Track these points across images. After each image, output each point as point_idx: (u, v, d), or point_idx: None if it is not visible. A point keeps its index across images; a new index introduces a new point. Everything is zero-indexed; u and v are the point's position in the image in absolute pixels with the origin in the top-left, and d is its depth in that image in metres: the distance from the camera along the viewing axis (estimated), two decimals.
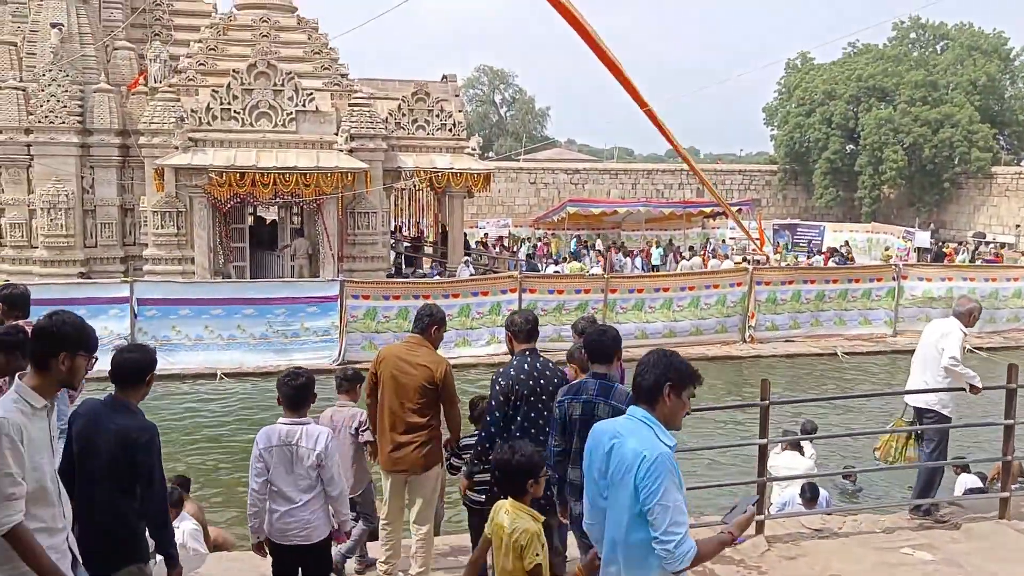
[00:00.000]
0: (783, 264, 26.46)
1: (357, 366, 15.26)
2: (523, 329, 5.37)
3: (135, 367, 4.15)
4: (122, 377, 4.14)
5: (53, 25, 20.83)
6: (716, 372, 16.05)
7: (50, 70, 20.64)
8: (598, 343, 4.74)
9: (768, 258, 27.06)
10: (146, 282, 16.93)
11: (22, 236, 21.11)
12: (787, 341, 18.20)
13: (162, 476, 4.19)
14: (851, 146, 44.19)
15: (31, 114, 20.75)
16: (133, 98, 21.59)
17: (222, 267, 20.78)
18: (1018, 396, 6.93)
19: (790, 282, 18.73)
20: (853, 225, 38.03)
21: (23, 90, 20.94)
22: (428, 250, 26.59)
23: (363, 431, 6.22)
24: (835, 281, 19.04)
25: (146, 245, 20.72)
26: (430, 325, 5.74)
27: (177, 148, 19.66)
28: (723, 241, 32.55)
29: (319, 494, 4.86)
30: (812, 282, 18.85)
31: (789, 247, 32.99)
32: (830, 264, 26.75)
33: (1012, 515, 6.93)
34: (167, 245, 20.35)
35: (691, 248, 30.45)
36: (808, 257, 30.11)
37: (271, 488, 4.84)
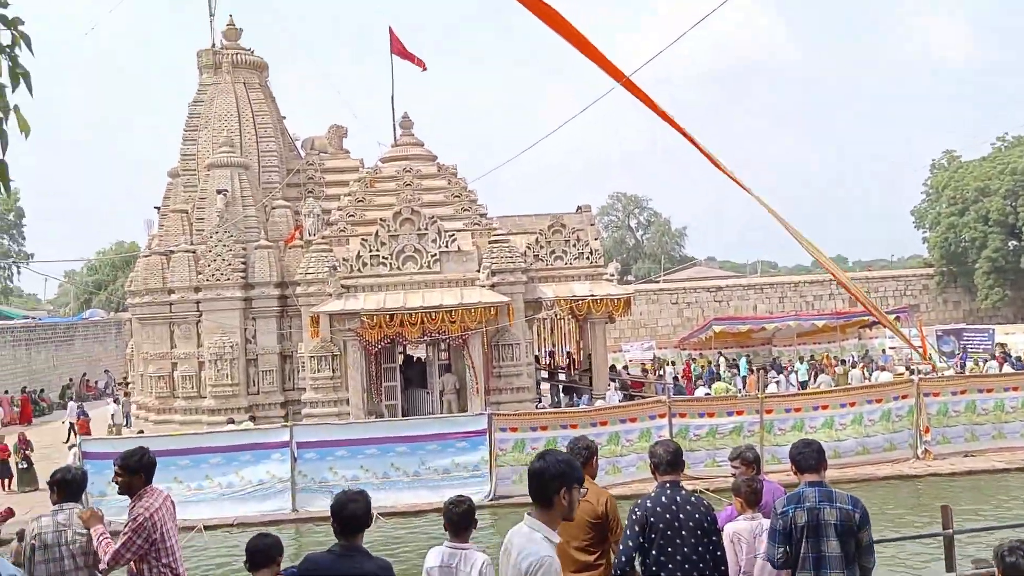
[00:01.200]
0: (946, 372, 24.61)
1: (510, 500, 15.35)
2: (664, 460, 5.29)
3: (362, 513, 4.40)
4: (354, 525, 4.37)
5: (219, 191, 22.82)
6: (888, 494, 14.86)
7: (216, 232, 22.49)
8: (806, 454, 5.03)
9: (934, 367, 25.35)
10: (304, 425, 17.55)
11: (192, 387, 22.54)
12: (966, 456, 16.75)
13: None
14: (1013, 242, 41.64)
15: (200, 273, 22.53)
16: (290, 252, 23.12)
17: (375, 407, 21.36)
18: None
19: (962, 392, 17.39)
20: None
21: (193, 252, 22.85)
22: (563, 377, 26.47)
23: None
24: (1015, 389, 17.54)
25: (304, 389, 21.64)
26: (589, 458, 5.64)
27: (331, 295, 20.71)
28: (883, 351, 30.83)
29: None
30: (989, 391, 17.43)
31: (956, 353, 30.83)
32: (1006, 369, 24.76)
33: None
34: (323, 388, 21.18)
35: (842, 361, 28.93)
36: (976, 363, 27.99)
37: None
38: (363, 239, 21.50)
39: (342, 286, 20.88)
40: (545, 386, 26.16)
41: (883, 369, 25.55)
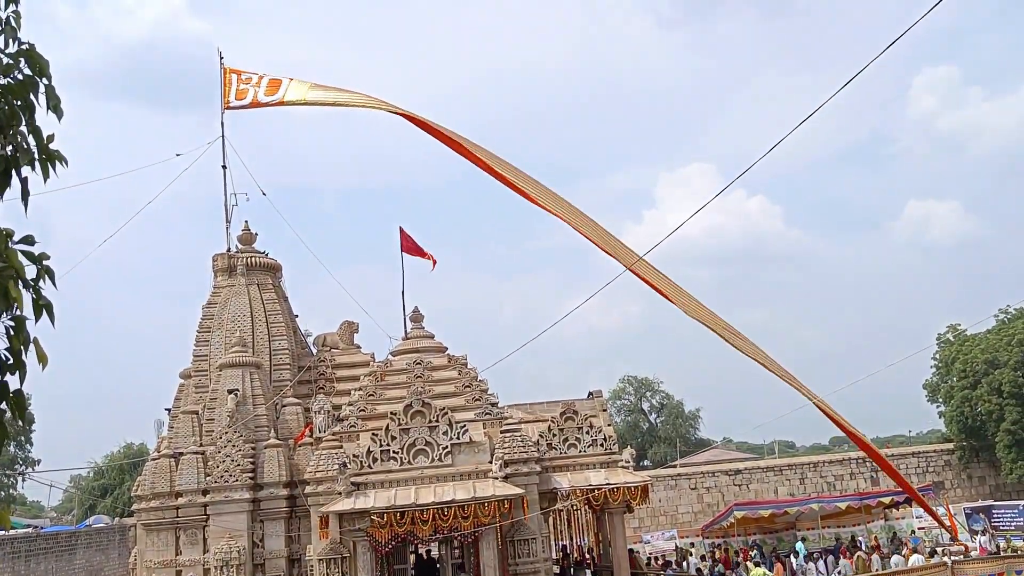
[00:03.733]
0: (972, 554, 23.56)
1: None
2: None
3: None
4: None
5: (230, 391, 22.93)
6: None
7: (226, 432, 22.38)
8: None
9: (966, 547, 24.33)
10: None
11: None
12: None
13: None
14: None
15: (208, 475, 22.21)
16: (300, 450, 22.90)
17: None
18: None
19: (1000, 574, 16.64)
20: None
21: (202, 454, 22.64)
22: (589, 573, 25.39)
23: None
24: None
25: None
26: None
27: (340, 493, 20.30)
28: (912, 532, 29.70)
29: None
30: None
31: (987, 532, 29.65)
32: None
33: None
34: None
35: (854, 543, 27.64)
36: (1009, 541, 26.86)
37: None
38: (373, 434, 21.33)
39: (352, 483, 20.49)
40: None
41: (915, 551, 24.53)
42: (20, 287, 3.26)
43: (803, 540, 28.32)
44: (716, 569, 25.27)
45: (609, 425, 24.13)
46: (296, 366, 25.13)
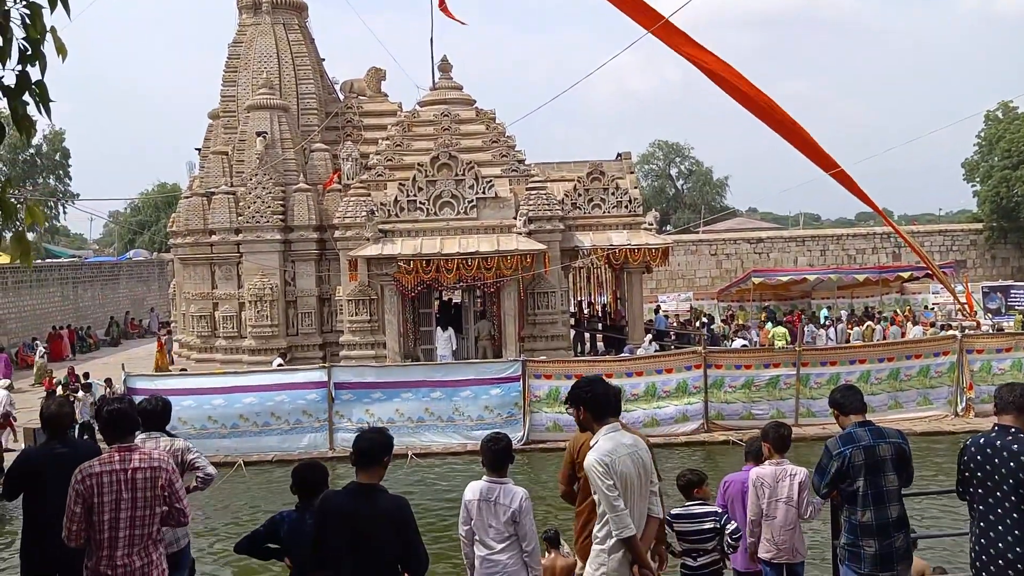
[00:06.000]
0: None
1: (543, 446, 15.49)
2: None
3: (377, 448, 4.49)
4: (367, 458, 4.45)
5: (258, 134, 22.88)
6: (924, 450, 14.74)
7: (256, 174, 22.60)
8: (850, 395, 5.36)
9: (979, 324, 24.86)
10: (341, 367, 17.74)
11: (233, 327, 22.90)
12: None
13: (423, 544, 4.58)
14: None
15: (240, 215, 22.71)
16: (328, 195, 23.19)
17: (412, 351, 21.55)
18: None
19: (1008, 349, 17.08)
20: None
21: (233, 194, 23.01)
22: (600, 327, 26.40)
23: None
24: None
25: (342, 332, 21.87)
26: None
27: (368, 240, 20.79)
28: (926, 307, 30.30)
29: (512, 545, 5.30)
30: None
31: (1002, 311, 30.13)
32: None
33: None
34: (361, 331, 21.39)
35: (867, 313, 28.10)
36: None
37: (475, 536, 5.41)
38: (400, 184, 21.47)
39: (380, 230, 20.92)
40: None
41: (916, 324, 25.14)
42: None
43: (829, 308, 28.93)
44: (733, 328, 26.07)
45: (635, 188, 24.07)
46: (323, 111, 24.86)
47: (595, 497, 4.63)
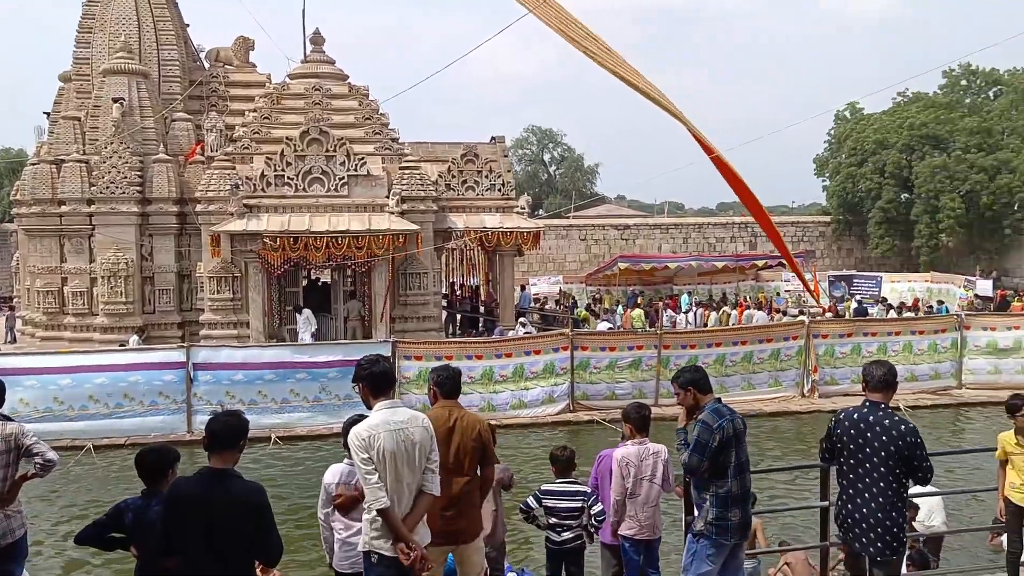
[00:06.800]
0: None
1: None
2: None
3: (231, 432, 4.29)
4: (220, 442, 4.24)
5: (115, 100, 21.64)
6: (772, 428, 15.59)
7: (111, 143, 21.38)
8: (703, 376, 5.62)
9: (824, 310, 26.44)
10: (201, 347, 17.09)
11: (83, 304, 21.65)
12: (847, 396, 17.63)
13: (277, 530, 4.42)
14: (906, 195, 43.40)
15: (93, 185, 21.45)
16: (190, 168, 22.21)
17: (277, 331, 20.99)
18: None
19: (849, 334, 18.25)
20: (911, 275, 37.07)
21: (86, 163, 21.69)
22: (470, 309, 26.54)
23: None
24: (897, 333, 18.49)
25: (202, 310, 21.07)
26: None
27: (232, 215, 20.07)
28: (777, 294, 31.97)
29: None
30: (873, 334, 18.35)
31: (846, 298, 32.14)
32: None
33: None
34: (223, 310, 20.67)
35: (724, 299, 29.59)
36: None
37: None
38: (268, 158, 20.82)
39: (245, 206, 20.24)
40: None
41: (772, 310, 26.48)
42: None
43: (689, 294, 30.09)
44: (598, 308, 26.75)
45: (509, 171, 24.25)
46: (187, 79, 23.74)
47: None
